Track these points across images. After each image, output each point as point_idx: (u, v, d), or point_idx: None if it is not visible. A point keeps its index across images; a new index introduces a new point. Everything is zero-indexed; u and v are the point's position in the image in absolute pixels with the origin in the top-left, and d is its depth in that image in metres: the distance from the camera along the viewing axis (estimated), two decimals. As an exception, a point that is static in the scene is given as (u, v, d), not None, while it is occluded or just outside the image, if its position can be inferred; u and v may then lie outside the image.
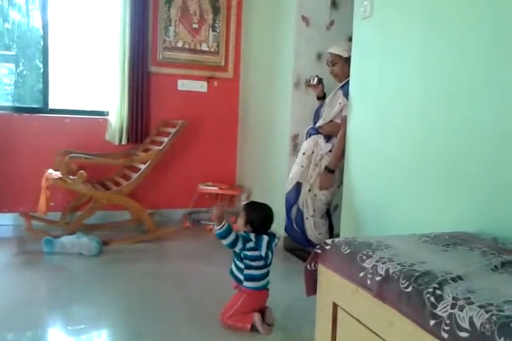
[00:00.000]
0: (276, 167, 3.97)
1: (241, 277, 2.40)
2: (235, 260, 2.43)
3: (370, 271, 1.48)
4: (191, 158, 4.73)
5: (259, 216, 2.41)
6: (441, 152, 2.26)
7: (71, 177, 3.65)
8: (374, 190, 2.72)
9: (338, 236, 3.08)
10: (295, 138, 3.75)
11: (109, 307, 2.66)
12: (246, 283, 2.40)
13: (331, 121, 3.06)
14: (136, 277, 3.11)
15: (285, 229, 3.33)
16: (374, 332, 1.46)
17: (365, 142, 2.80)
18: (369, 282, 1.47)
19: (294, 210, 3.17)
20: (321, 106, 3.16)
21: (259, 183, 4.38)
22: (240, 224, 2.42)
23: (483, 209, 2.06)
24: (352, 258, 1.60)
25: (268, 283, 2.45)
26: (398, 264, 1.44)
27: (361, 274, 1.52)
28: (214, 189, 4.48)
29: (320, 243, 3.04)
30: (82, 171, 3.68)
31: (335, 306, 1.69)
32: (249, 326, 2.37)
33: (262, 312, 2.44)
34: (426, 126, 2.36)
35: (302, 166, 3.11)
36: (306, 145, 3.16)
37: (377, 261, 1.50)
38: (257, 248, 2.37)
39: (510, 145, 1.90)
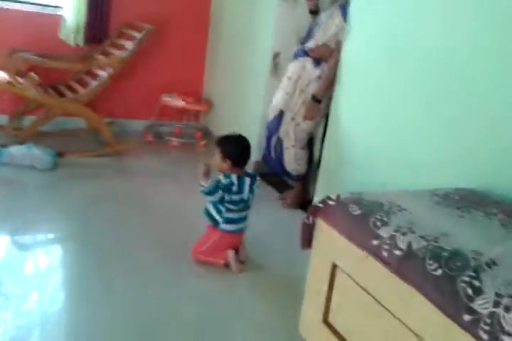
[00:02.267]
0: (252, 87, 3.66)
1: (219, 219, 2.24)
2: (215, 202, 2.24)
3: (388, 242, 1.34)
4: (154, 65, 4.27)
5: (236, 148, 2.21)
6: (445, 102, 2.06)
7: (20, 80, 3.20)
8: (363, 126, 2.52)
9: (317, 167, 2.93)
10: (276, 56, 3.41)
11: (65, 234, 2.47)
12: (223, 226, 2.24)
13: (324, 44, 2.73)
14: (95, 199, 2.89)
15: (262, 158, 3.13)
16: (382, 305, 1.36)
17: (360, 73, 2.54)
18: (385, 254, 1.33)
19: (273, 139, 2.94)
20: (314, 25, 2.80)
21: (231, 101, 4.06)
22: (217, 161, 2.20)
23: (483, 166, 1.94)
24: (363, 222, 1.44)
25: (246, 226, 2.32)
26: (421, 237, 1.30)
27: (375, 242, 1.38)
28: (180, 102, 4.13)
29: (298, 174, 2.98)
30: (32, 74, 3.23)
31: (334, 267, 1.57)
32: (222, 262, 2.26)
33: (236, 249, 2.32)
34: (439, 69, 2.13)
35: (287, 93, 2.83)
36: (291, 68, 2.85)
37: (395, 231, 1.35)
38: (239, 191, 2.19)
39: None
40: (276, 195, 3.23)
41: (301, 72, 2.79)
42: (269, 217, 2.89)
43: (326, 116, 2.86)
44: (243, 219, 2.28)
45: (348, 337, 1.52)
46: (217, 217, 2.24)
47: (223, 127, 4.17)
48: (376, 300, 1.39)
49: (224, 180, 2.15)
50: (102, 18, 3.84)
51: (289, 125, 2.87)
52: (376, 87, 2.45)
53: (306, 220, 1.67)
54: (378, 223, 1.40)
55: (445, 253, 1.21)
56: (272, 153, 2.99)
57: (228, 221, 2.24)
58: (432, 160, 2.14)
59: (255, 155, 3.52)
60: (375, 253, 1.38)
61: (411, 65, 2.28)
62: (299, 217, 2.96)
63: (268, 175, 3.40)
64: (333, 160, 2.74)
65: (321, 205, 1.62)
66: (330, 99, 2.75)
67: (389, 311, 1.34)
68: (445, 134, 2.08)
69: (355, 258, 1.46)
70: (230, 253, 2.26)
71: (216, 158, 2.19)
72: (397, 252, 1.30)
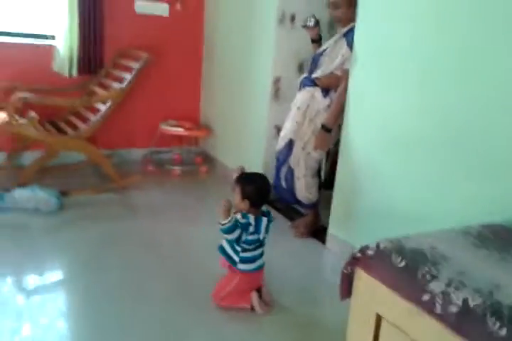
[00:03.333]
0: (254, 112, 3.63)
1: (236, 259, 2.19)
2: (231, 241, 2.19)
3: (441, 297, 1.31)
4: (150, 93, 4.22)
5: (255, 188, 2.16)
6: (460, 123, 2.07)
7: (19, 118, 3.13)
8: (375, 152, 2.52)
9: (328, 193, 2.90)
10: (277, 81, 3.39)
11: (78, 285, 2.37)
12: (240, 266, 2.19)
13: (331, 73, 2.72)
14: (103, 241, 2.80)
15: (273, 188, 3.10)
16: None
17: (368, 100, 2.54)
18: (439, 310, 1.31)
19: (283, 168, 2.91)
20: (320, 54, 2.79)
21: (231, 126, 4.03)
22: (236, 201, 2.16)
23: (503, 198, 1.94)
24: (410, 276, 1.41)
25: (264, 263, 2.27)
26: (475, 292, 1.28)
27: (426, 297, 1.35)
28: (178, 130, 4.08)
29: (310, 202, 2.95)
30: (32, 113, 3.16)
31: (379, 318, 1.53)
32: (248, 306, 2.21)
33: (258, 289, 2.28)
34: (441, 88, 2.13)
35: (296, 122, 2.81)
36: (300, 98, 2.83)
37: (447, 285, 1.32)
38: (256, 231, 2.15)
39: None
40: (288, 223, 3.19)
41: (310, 101, 2.78)
42: (283, 247, 2.84)
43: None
44: (259, 256, 2.23)
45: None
46: (235, 256, 2.19)
47: (224, 152, 4.15)
48: (431, 355, 1.36)
49: (242, 220, 2.12)
50: (95, 47, 3.78)
51: (300, 154, 2.84)
52: (382, 117, 2.45)
53: (344, 270, 1.63)
54: (427, 276, 1.38)
55: (505, 311, 1.19)
56: (283, 183, 2.96)
57: (245, 261, 2.19)
58: (455, 188, 2.14)
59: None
60: (427, 308, 1.35)
61: (407, 88, 2.29)
62: (313, 245, 2.96)
63: (276, 201, 3.37)
64: (347, 186, 2.72)
65: (359, 255, 1.59)
66: (340, 127, 2.73)
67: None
68: (467, 164, 2.08)
69: (404, 310, 1.43)
70: (254, 295, 2.21)
71: (236, 197, 2.14)
72: (453, 308, 1.27)
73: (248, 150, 3.74)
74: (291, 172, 2.90)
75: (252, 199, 2.14)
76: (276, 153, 2.95)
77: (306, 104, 2.78)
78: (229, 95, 4.02)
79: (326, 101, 2.73)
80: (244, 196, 2.13)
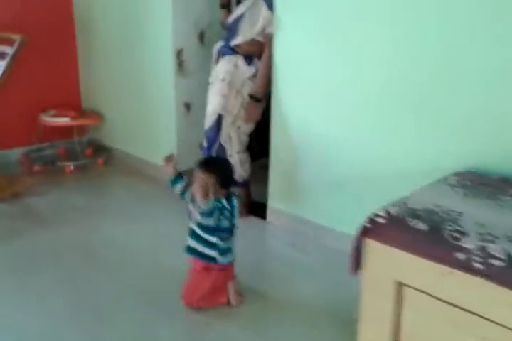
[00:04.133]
0: (156, 90, 3.30)
1: (214, 253, 1.97)
2: (202, 234, 1.96)
3: (478, 253, 1.28)
4: (21, 81, 3.62)
5: (225, 170, 1.98)
6: (406, 80, 2.08)
7: None
8: (312, 118, 2.44)
9: (264, 167, 2.77)
10: (180, 53, 3.11)
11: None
12: (222, 259, 1.99)
13: (252, 39, 2.54)
14: (25, 264, 2.33)
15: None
16: (480, 316, 1.31)
17: (298, 65, 2.43)
18: (479, 266, 1.27)
19: (214, 147, 2.69)
20: (237, 20, 2.57)
21: (127, 108, 3.63)
22: (211, 191, 1.88)
23: (463, 144, 2.00)
24: (436, 237, 1.36)
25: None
26: (509, 241, 1.27)
27: (460, 256, 1.31)
28: (64, 120, 3.58)
29: (244, 180, 2.79)
30: None
31: (399, 285, 1.47)
32: (225, 299, 2.03)
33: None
34: (380, 48, 2.12)
35: (223, 95, 2.59)
36: (222, 68, 2.61)
37: (481, 240, 1.30)
38: (232, 216, 1.96)
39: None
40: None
41: (233, 71, 2.57)
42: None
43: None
44: (234, 244, 2.05)
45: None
46: (211, 251, 1.97)
47: (123, 139, 3.76)
48: (470, 311, 1.33)
49: (228, 205, 1.93)
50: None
51: (231, 130, 2.65)
52: (321, 78, 2.38)
53: (355, 243, 1.53)
54: (455, 234, 1.34)
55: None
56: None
57: (225, 252, 1.98)
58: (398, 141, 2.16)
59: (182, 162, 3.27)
60: (464, 266, 1.31)
61: (342, 49, 2.24)
62: (255, 223, 2.82)
63: None
64: (284, 157, 2.62)
65: (368, 225, 1.50)
66: (268, 97, 2.59)
67: (489, 320, 1.30)
68: (412, 112, 2.10)
69: (433, 273, 1.38)
70: (231, 288, 2.03)
71: (207, 184, 1.90)
72: (495, 262, 1.25)
73: (155, 133, 3.42)
74: (222, 150, 2.70)
75: (224, 182, 1.93)
76: (206, 132, 2.72)
77: (230, 74, 2.58)
78: (119, 74, 3.61)
79: (251, 69, 2.56)
80: (217, 180, 1.90)
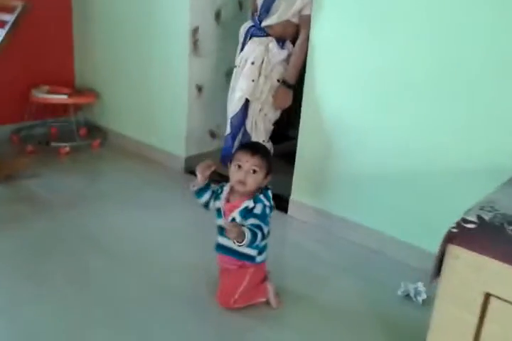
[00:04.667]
0: (166, 70, 3.07)
1: (253, 252, 1.81)
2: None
3: None
4: (11, 54, 3.29)
5: (270, 156, 1.84)
6: (450, 70, 1.97)
7: None
8: (348, 108, 2.30)
9: (290, 157, 2.61)
10: (195, 32, 2.89)
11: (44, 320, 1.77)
12: (260, 258, 1.84)
13: (287, 20, 2.35)
14: (29, 256, 2.13)
15: (222, 159, 2.69)
16: None
17: (336, 50, 2.28)
18: None
19: (239, 135, 2.52)
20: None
21: (128, 88, 3.38)
22: (259, 180, 1.76)
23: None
24: (540, 246, 1.26)
25: None
26: None
27: None
28: (62, 98, 3.30)
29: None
30: None
31: (486, 296, 1.37)
32: (264, 299, 1.90)
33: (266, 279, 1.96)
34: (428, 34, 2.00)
35: (253, 80, 2.41)
36: (252, 51, 2.42)
37: None
38: (271, 210, 1.80)
39: None
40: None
41: (264, 54, 2.39)
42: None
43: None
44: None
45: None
46: (252, 251, 1.81)
47: (120, 120, 3.52)
48: None
49: (268, 202, 1.75)
50: None
51: (258, 117, 2.48)
52: (360, 65, 2.23)
53: (440, 249, 1.41)
54: None
55: None
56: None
57: (263, 250, 1.84)
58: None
59: (183, 150, 3.09)
60: None
61: (400, 39, 2.10)
62: (275, 217, 2.61)
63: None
64: (312, 147, 2.48)
65: (455, 230, 1.38)
66: (300, 84, 2.43)
67: None
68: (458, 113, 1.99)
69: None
70: (271, 288, 1.89)
71: (258, 177, 1.73)
72: None
73: (161, 116, 3.21)
74: (247, 138, 2.52)
75: (269, 171, 1.78)
76: (231, 119, 2.53)
77: (261, 57, 2.39)
78: (120, 51, 3.35)
79: (284, 53, 2.39)
80: (267, 167, 1.74)
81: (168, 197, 2.81)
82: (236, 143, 2.56)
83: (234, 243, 1.66)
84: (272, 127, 2.56)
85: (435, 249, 2.14)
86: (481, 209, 1.40)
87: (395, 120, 2.18)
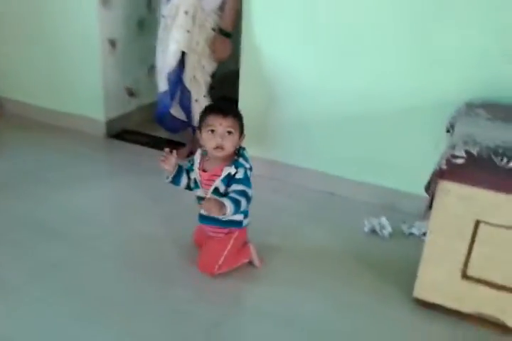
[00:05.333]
0: (70, 23, 2.72)
1: (240, 217, 1.76)
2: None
3: None
4: None
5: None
6: (397, 10, 2.00)
7: None
8: (288, 57, 2.26)
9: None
10: (101, -21, 2.57)
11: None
12: (245, 221, 1.80)
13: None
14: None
15: (157, 118, 2.50)
16: None
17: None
18: None
19: (178, 92, 2.34)
20: None
21: (23, 47, 2.95)
22: (236, 142, 1.68)
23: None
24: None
25: None
26: None
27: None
28: None
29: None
30: None
31: (476, 223, 1.48)
32: (247, 260, 1.86)
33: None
34: None
35: (188, 31, 2.22)
36: (183, -1, 2.21)
37: None
38: (251, 170, 1.75)
39: None
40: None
41: (197, 2, 2.20)
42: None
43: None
44: None
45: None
46: (238, 216, 1.74)
47: (20, 86, 3.09)
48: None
49: (248, 164, 1.69)
50: None
51: (196, 70, 2.33)
52: (301, 10, 2.17)
53: (432, 185, 1.48)
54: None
55: None
56: (176, 110, 2.43)
57: (247, 213, 1.79)
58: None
59: (102, 113, 2.85)
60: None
61: None
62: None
63: (127, 133, 2.92)
64: (254, 98, 2.41)
65: (445, 167, 1.45)
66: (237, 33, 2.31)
67: None
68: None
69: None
70: (253, 249, 1.86)
71: (234, 138, 1.65)
72: None
73: (70, 77, 2.88)
74: (187, 94, 2.37)
75: (242, 130, 1.71)
76: (168, 74, 2.33)
77: (194, 6, 2.21)
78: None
79: (218, 0, 2.22)
80: (241, 127, 1.68)
81: (98, 167, 2.60)
82: (174, 102, 2.40)
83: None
84: (209, 80, 2.42)
85: (389, 183, 2.29)
86: (465, 143, 1.47)
87: (341, 66, 2.18)
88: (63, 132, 2.91)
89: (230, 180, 1.64)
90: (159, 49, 2.38)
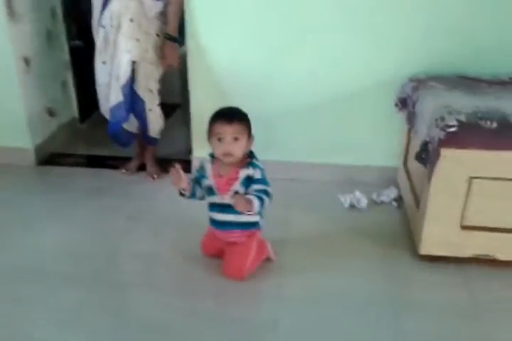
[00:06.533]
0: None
1: (256, 218, 1.79)
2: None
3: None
4: None
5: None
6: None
7: None
8: (238, 53, 2.30)
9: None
10: (6, -8, 2.32)
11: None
12: (261, 221, 1.83)
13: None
14: None
15: (111, 134, 2.34)
16: None
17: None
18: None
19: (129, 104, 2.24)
20: None
21: None
22: (245, 145, 1.70)
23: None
24: (506, 129, 1.65)
25: None
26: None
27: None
28: None
29: (158, 136, 2.42)
30: None
31: (470, 179, 1.72)
32: (265, 257, 1.90)
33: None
34: None
35: (137, 39, 2.12)
36: (125, 7, 2.08)
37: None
38: None
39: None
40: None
41: (139, 9, 2.11)
42: (158, 194, 2.39)
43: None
44: None
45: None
46: (254, 217, 1.77)
47: None
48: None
49: (261, 165, 1.73)
50: None
51: (149, 79, 2.24)
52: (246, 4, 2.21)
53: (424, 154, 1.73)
54: (522, 124, 1.65)
55: None
56: (130, 123, 2.33)
57: (262, 213, 1.82)
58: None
59: (29, 139, 2.63)
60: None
61: None
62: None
63: (58, 156, 2.78)
64: (205, 100, 2.40)
65: (443, 137, 1.66)
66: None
67: None
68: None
69: (507, 161, 1.68)
70: (269, 245, 1.91)
71: (242, 142, 1.67)
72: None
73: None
74: (140, 104, 2.28)
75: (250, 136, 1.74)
76: (122, 87, 2.20)
77: (138, 13, 2.12)
78: None
79: (159, 4, 2.16)
80: (249, 132, 1.70)
81: (44, 201, 2.39)
82: (131, 115, 2.30)
83: (244, 213, 1.64)
84: (159, 87, 2.35)
85: (347, 161, 2.46)
86: (451, 113, 1.70)
87: (289, 56, 2.28)
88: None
89: (249, 181, 1.68)
90: (98, 61, 2.25)
